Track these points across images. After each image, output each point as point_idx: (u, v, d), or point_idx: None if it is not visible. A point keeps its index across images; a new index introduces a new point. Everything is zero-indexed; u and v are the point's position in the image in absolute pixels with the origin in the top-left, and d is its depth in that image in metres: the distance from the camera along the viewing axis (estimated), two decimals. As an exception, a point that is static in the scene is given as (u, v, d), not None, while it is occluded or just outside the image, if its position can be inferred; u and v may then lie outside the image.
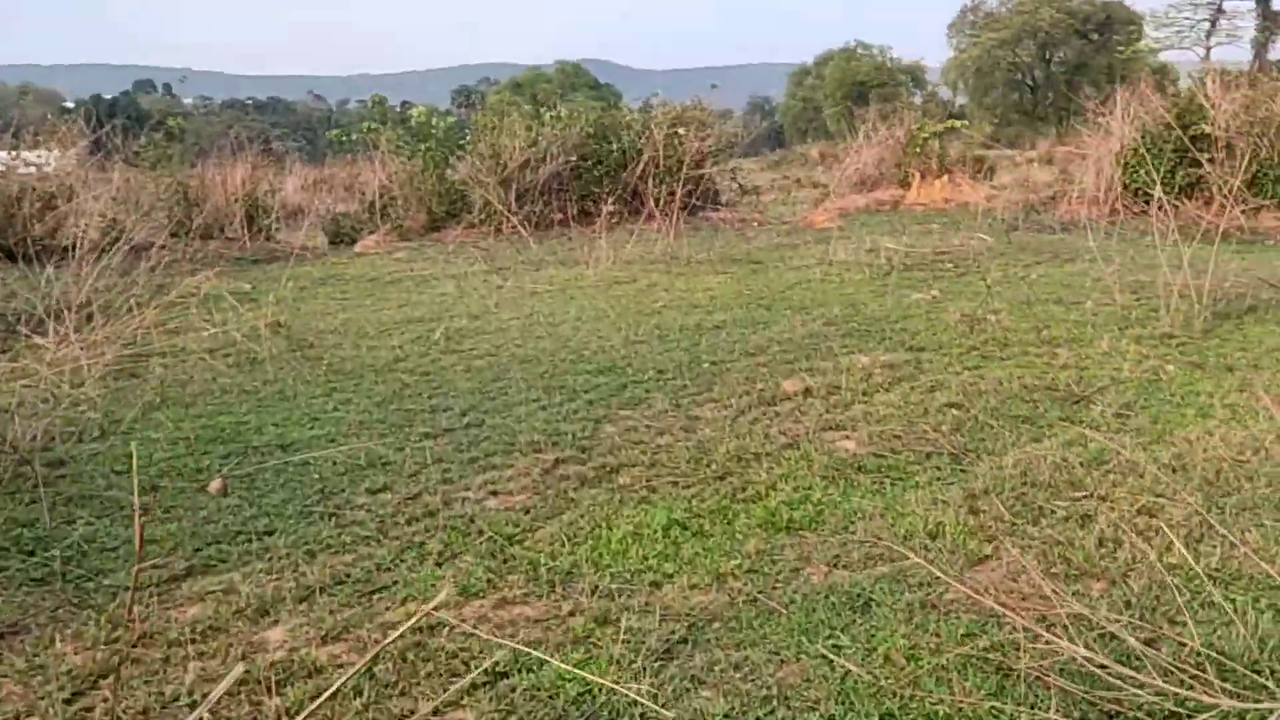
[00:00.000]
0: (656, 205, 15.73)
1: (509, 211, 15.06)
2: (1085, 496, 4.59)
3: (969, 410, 5.99)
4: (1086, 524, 4.26)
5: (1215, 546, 3.97)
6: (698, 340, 8.22)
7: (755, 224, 17.45)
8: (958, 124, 19.41)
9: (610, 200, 16.56)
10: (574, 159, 16.60)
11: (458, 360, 7.75)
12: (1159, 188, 11.08)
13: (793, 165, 53.58)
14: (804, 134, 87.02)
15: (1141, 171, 15.04)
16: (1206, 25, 56.94)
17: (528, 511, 4.67)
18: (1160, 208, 14.84)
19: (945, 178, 18.58)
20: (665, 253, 13.19)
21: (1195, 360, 6.95)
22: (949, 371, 6.91)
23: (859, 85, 79.63)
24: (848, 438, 5.63)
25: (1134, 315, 8.48)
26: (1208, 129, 14.38)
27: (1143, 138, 15.05)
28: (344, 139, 18.62)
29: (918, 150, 18.65)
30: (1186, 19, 57.47)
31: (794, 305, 9.64)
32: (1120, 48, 67.29)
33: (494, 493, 4.94)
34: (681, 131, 16.78)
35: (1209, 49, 57.54)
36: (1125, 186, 15.25)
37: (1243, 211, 13.95)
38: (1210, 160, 14.45)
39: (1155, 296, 9.14)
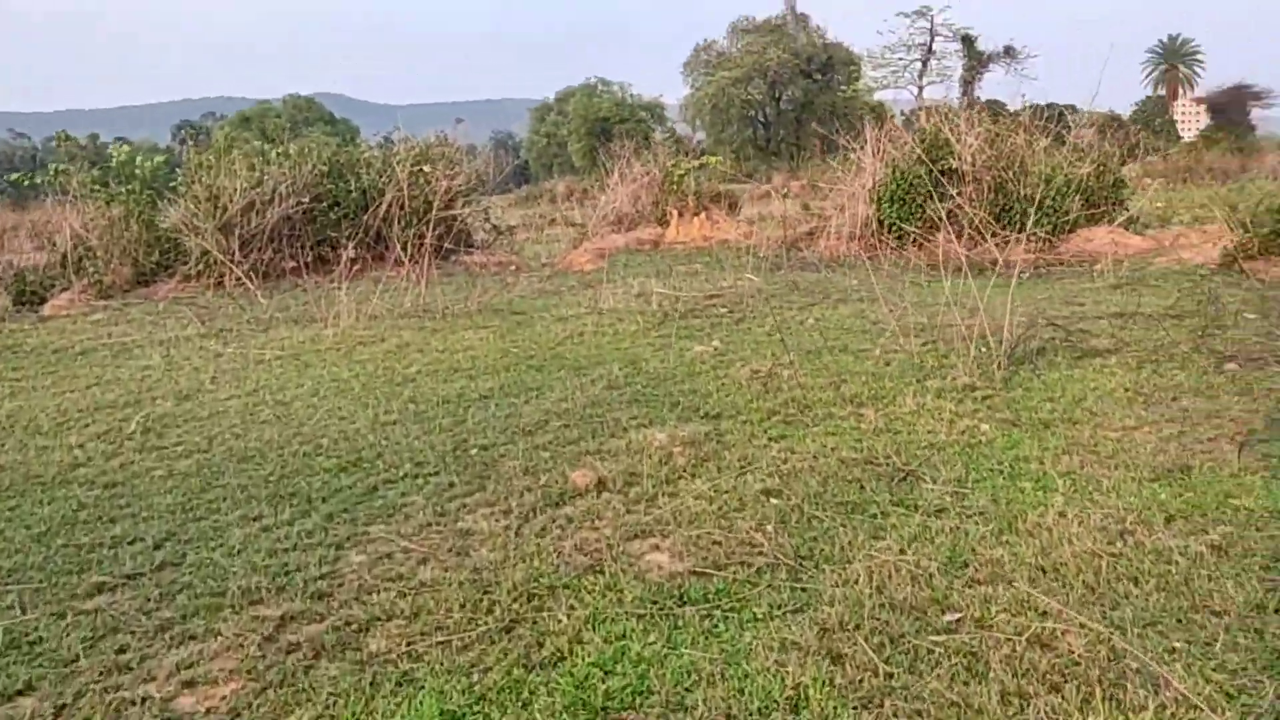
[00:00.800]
0: (404, 250, 14.34)
1: (231, 261, 13.22)
2: (958, 620, 3.72)
3: (789, 498, 5.09)
4: (977, 670, 3.37)
5: (1141, 692, 3.16)
6: (462, 416, 6.98)
7: (514, 268, 16.34)
8: (712, 160, 19.11)
9: (351, 245, 15.00)
10: (306, 200, 14.92)
11: (157, 462, 6.14)
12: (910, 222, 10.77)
13: (542, 201, 53.09)
14: (549, 169, 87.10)
15: (894, 206, 15.08)
16: (919, 65, 61.33)
17: (237, 716, 3.29)
18: (915, 243, 14.96)
19: (703, 215, 18.18)
20: (417, 305, 11.84)
21: (1009, 417, 6.39)
22: (755, 445, 6.01)
23: (602, 121, 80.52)
24: (658, 548, 4.57)
25: (928, 364, 7.95)
26: (954, 164, 14.55)
27: (893, 173, 15.09)
28: (28, 181, 16.02)
29: (674, 188, 18.16)
30: (900, 59, 61.71)
31: (568, 364, 8.57)
32: (843, 87, 71.42)
33: (189, 683, 3.51)
34: (427, 169, 15.45)
35: (922, 88, 61.98)
36: (880, 222, 15.23)
37: (995, 244, 14.15)
38: (959, 194, 14.63)
39: (942, 341, 8.72)
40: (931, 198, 14.97)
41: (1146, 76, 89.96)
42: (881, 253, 14.92)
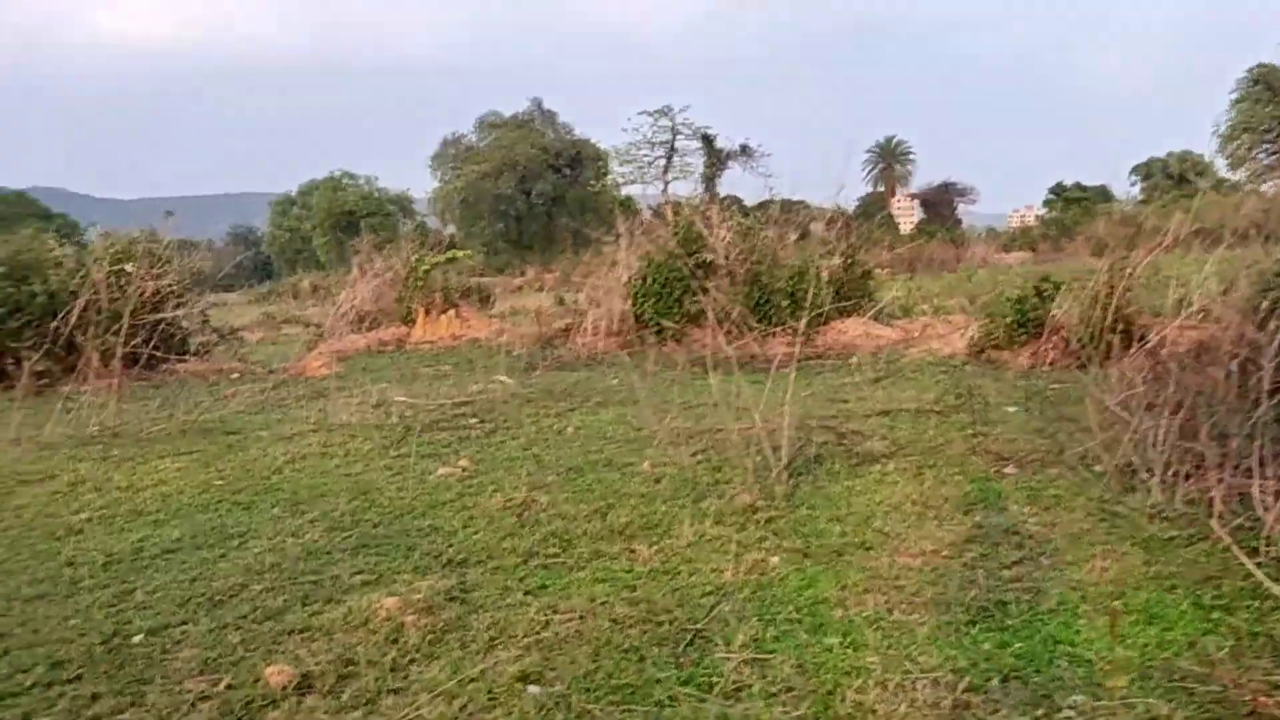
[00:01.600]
0: (102, 360, 12.34)
1: None
2: None
3: (553, 683, 3.97)
4: None
5: None
6: (131, 583, 5.43)
7: (236, 376, 14.51)
8: (459, 254, 18.05)
9: (36, 357, 12.80)
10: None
11: None
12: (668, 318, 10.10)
13: (283, 298, 50.17)
14: (293, 265, 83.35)
15: (651, 301, 14.51)
16: (663, 162, 63.23)
17: None
18: (675, 338, 14.39)
19: (452, 312, 17.01)
20: (105, 428, 9.96)
21: (798, 546, 5.56)
22: (508, 605, 4.86)
23: (348, 214, 78.22)
24: (375, 786, 3.32)
25: (702, 480, 7.09)
26: (709, 257, 14.17)
27: (649, 266, 14.56)
28: None
29: (419, 284, 16.93)
30: (645, 156, 63.44)
31: (285, 499, 7.13)
32: (592, 182, 72.68)
33: None
34: (129, 268, 13.51)
35: (667, 183, 63.88)
36: (637, 317, 14.61)
37: (754, 339, 13.78)
38: (714, 287, 14.24)
39: (714, 450, 7.93)
40: (688, 292, 14.52)
41: (866, 174, 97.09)
42: (641, 349, 14.25)
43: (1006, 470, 6.88)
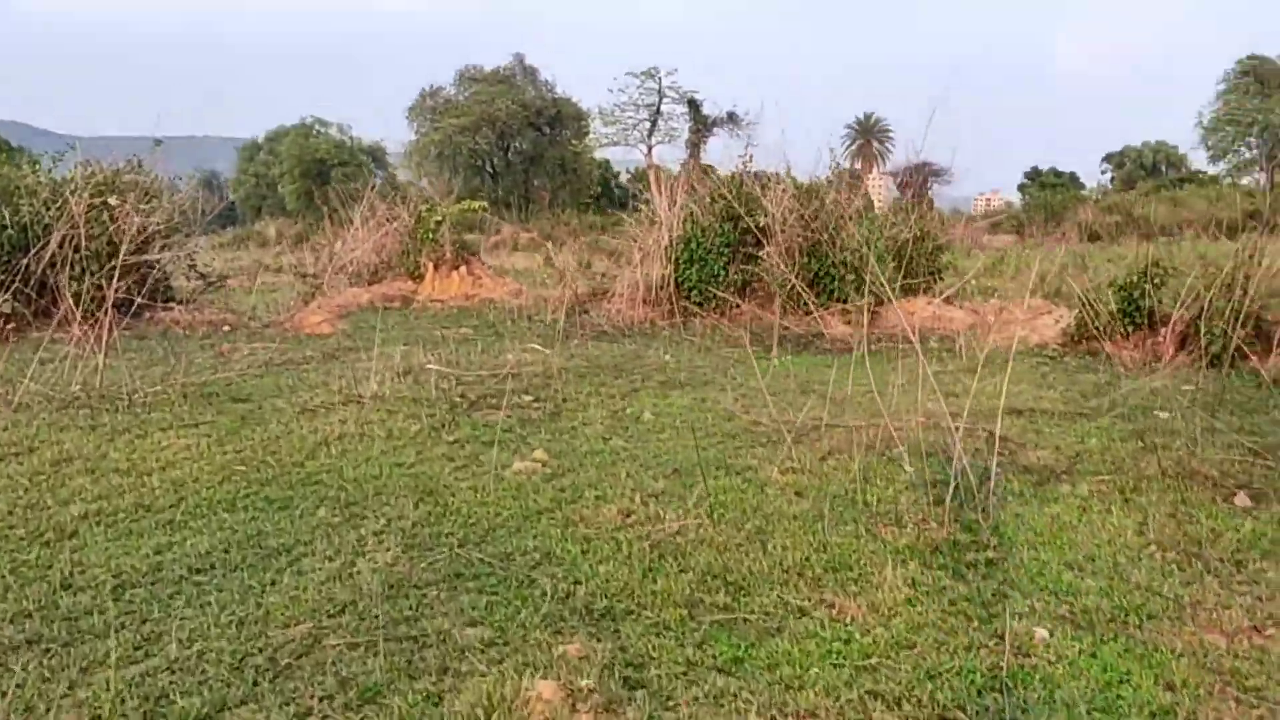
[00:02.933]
0: (79, 306, 10.66)
1: None
2: None
3: None
4: None
5: None
6: (156, 624, 3.91)
7: (227, 328, 12.83)
8: (474, 204, 16.38)
9: (4, 298, 11.11)
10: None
11: None
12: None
13: (250, 245, 47.90)
14: (258, 211, 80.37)
15: (694, 268, 13.01)
16: (647, 125, 61.23)
17: None
18: (719, 309, 12.93)
19: (464, 269, 15.39)
20: (91, 387, 8.32)
21: (1056, 610, 4.16)
22: (708, 694, 3.41)
23: (318, 163, 75.55)
24: None
25: (860, 497, 5.66)
26: (763, 220, 12.68)
27: (693, 229, 13.04)
28: None
29: (429, 236, 15.26)
30: (630, 118, 61.35)
31: (329, 498, 5.60)
32: (572, 141, 70.55)
33: None
34: (114, 201, 11.74)
35: (651, 147, 61.93)
36: (678, 285, 13.11)
37: (807, 314, 12.38)
38: (765, 257, 12.80)
39: (841, 450, 6.50)
40: (736, 259, 13.06)
41: (845, 150, 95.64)
42: (682, 320, 12.77)
43: (1236, 500, 5.51)
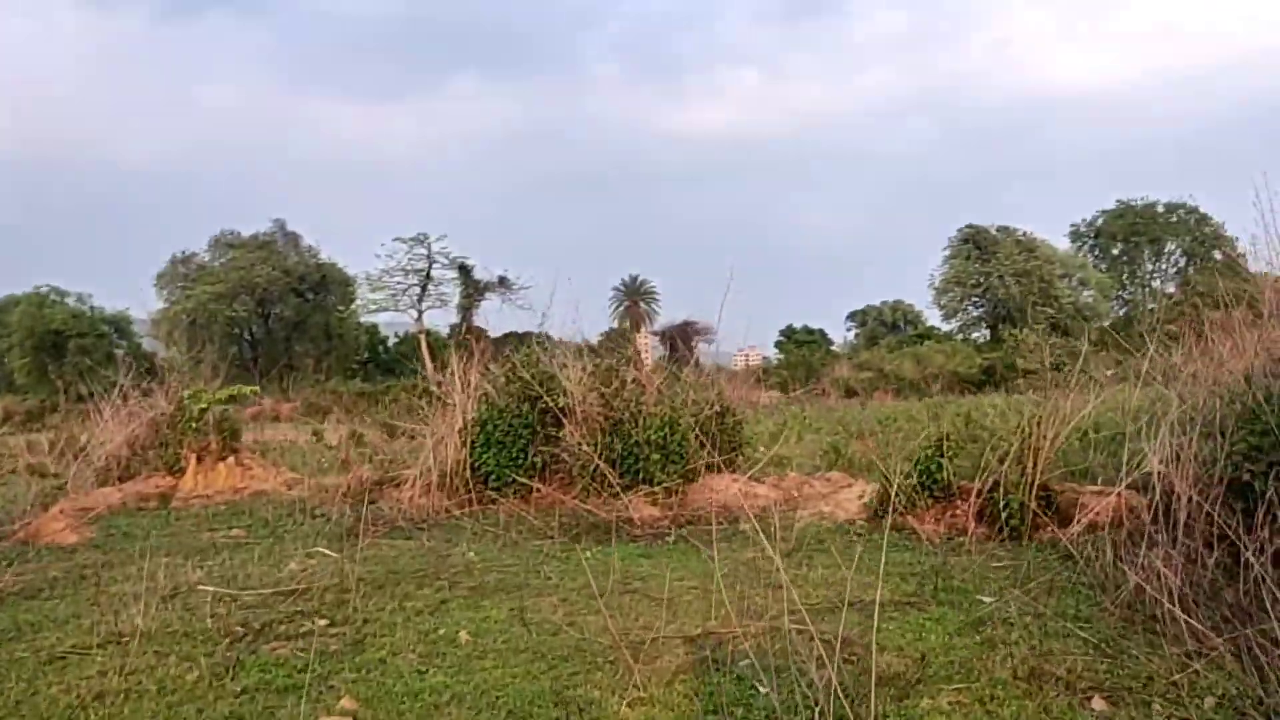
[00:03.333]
0: None
1: None
2: None
3: None
4: None
5: None
6: None
7: (-54, 545, 11.02)
8: (246, 390, 15.18)
9: None
10: None
11: None
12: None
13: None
14: (-18, 387, 73.32)
15: (492, 451, 12.44)
16: (418, 290, 60.85)
17: None
18: (520, 496, 12.36)
19: (231, 459, 14.10)
20: None
21: None
22: None
23: (54, 334, 70.18)
24: None
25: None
26: (563, 401, 12.36)
27: (490, 411, 12.53)
28: None
29: (192, 425, 13.95)
30: (399, 283, 60.84)
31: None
32: (339, 307, 68.95)
33: None
34: None
35: (421, 311, 61.40)
36: (474, 469, 12.47)
37: (614, 497, 12.00)
38: (570, 436, 12.45)
39: (689, 672, 6.02)
40: (534, 440, 12.61)
41: (613, 310, 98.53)
42: (480, 508, 12.09)
43: (1094, 705, 5.41)
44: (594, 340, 14.19)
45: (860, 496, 11.25)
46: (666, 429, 11.85)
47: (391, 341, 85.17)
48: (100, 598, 8.27)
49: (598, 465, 11.91)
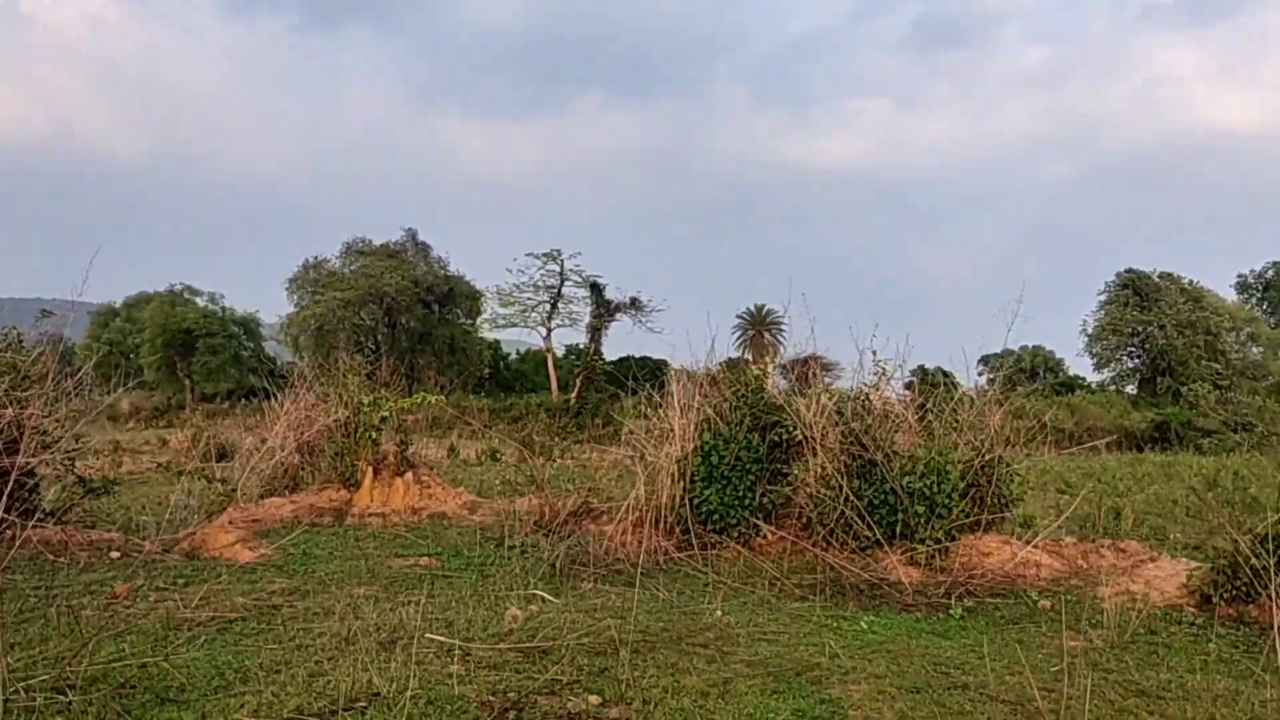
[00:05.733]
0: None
1: None
2: None
3: None
4: None
5: None
6: None
7: (114, 553, 9.98)
8: (430, 397, 14.00)
9: None
10: None
11: None
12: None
13: (100, 420, 43.78)
14: (107, 380, 75.35)
15: (715, 487, 10.90)
16: (547, 307, 60.00)
17: None
18: (742, 541, 10.81)
19: (410, 475, 12.89)
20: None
21: None
22: None
23: (184, 333, 71.64)
24: None
25: None
26: (797, 433, 10.77)
27: (714, 441, 11.00)
28: None
29: (370, 434, 12.79)
30: (529, 299, 60.02)
31: None
32: (464, 320, 68.80)
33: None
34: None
35: (550, 330, 60.52)
36: (694, 505, 10.95)
37: (860, 551, 10.35)
38: (800, 476, 10.87)
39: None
40: (762, 478, 11.04)
41: (737, 339, 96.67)
42: (700, 553, 10.55)
43: None
44: (713, 369, 12.63)
45: (1178, 575, 9.32)
46: (934, 476, 10.11)
47: (512, 358, 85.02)
48: (305, 639, 6.99)
49: (843, 512, 10.28)
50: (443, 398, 14.62)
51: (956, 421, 11.05)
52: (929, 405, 11.31)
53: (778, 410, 11.16)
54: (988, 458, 10.67)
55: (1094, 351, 68.58)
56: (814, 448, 10.77)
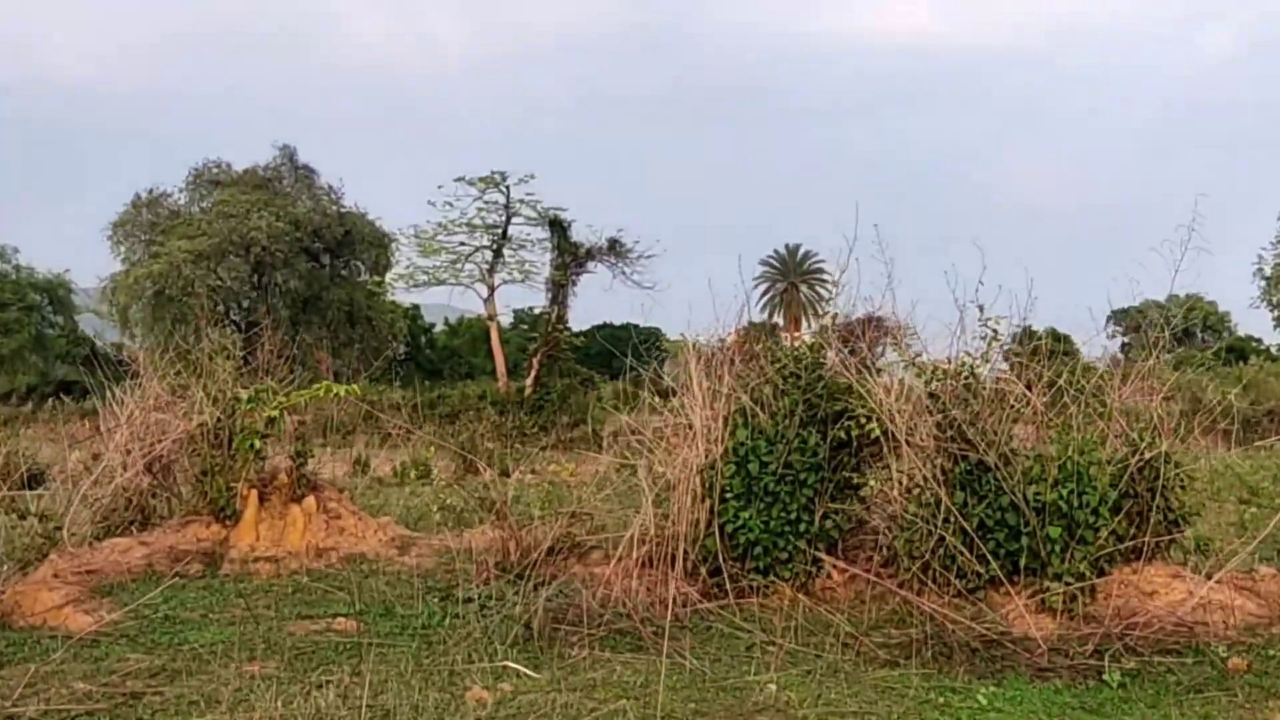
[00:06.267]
0: None
1: None
2: None
3: None
4: None
5: None
6: None
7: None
8: (338, 389, 13.96)
9: None
10: None
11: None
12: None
13: None
14: None
15: (756, 507, 10.96)
16: (489, 255, 59.72)
17: None
18: (796, 584, 10.92)
19: (310, 501, 12.91)
20: None
21: None
22: None
23: (-32, 305, 71.75)
24: None
25: None
26: (873, 429, 10.82)
27: (751, 439, 11.05)
28: None
29: (252, 446, 12.77)
30: (463, 244, 59.63)
31: None
32: (374, 277, 68.88)
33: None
34: None
35: (493, 289, 60.26)
36: (726, 534, 11.03)
37: (971, 591, 10.44)
38: (882, 486, 10.96)
39: None
40: (822, 493, 11.12)
41: (763, 296, 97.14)
42: (732, 600, 10.65)
43: None
44: (727, 340, 12.55)
45: None
46: (1073, 484, 10.18)
47: (439, 329, 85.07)
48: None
49: (942, 539, 10.36)
50: (355, 389, 14.57)
51: (1103, 405, 11.12)
52: (1064, 380, 11.37)
53: (844, 394, 11.20)
54: (1149, 456, 10.70)
55: (1275, 302, 69.24)
56: (898, 447, 10.85)
